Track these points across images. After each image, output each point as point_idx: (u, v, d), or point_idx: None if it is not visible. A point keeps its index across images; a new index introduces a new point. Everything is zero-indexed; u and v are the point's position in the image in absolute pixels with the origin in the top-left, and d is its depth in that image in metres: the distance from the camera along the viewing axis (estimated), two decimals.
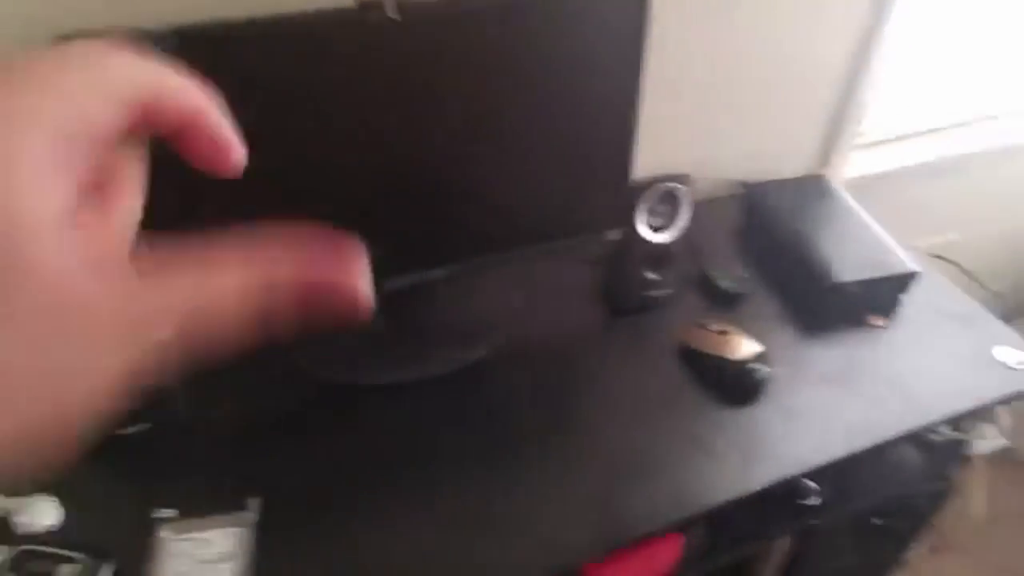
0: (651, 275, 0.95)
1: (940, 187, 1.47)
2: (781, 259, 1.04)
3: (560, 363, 0.91)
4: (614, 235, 0.92)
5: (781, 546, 1.00)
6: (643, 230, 0.91)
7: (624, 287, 0.95)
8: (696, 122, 1.13)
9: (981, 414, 0.96)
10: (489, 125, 0.78)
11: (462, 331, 0.92)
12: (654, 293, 0.96)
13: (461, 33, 0.70)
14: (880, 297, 0.99)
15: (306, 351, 0.88)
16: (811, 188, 1.14)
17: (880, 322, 0.98)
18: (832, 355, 0.93)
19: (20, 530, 0.67)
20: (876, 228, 1.05)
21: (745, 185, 1.15)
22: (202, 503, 0.71)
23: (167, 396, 0.78)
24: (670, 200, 0.93)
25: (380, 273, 0.72)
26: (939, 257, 1.48)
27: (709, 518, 0.79)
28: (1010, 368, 0.92)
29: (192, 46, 0.61)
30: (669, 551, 0.80)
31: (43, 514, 0.68)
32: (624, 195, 0.89)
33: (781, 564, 1.02)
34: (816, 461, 0.80)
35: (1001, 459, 1.75)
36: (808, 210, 1.09)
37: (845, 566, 1.09)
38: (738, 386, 0.86)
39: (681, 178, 0.91)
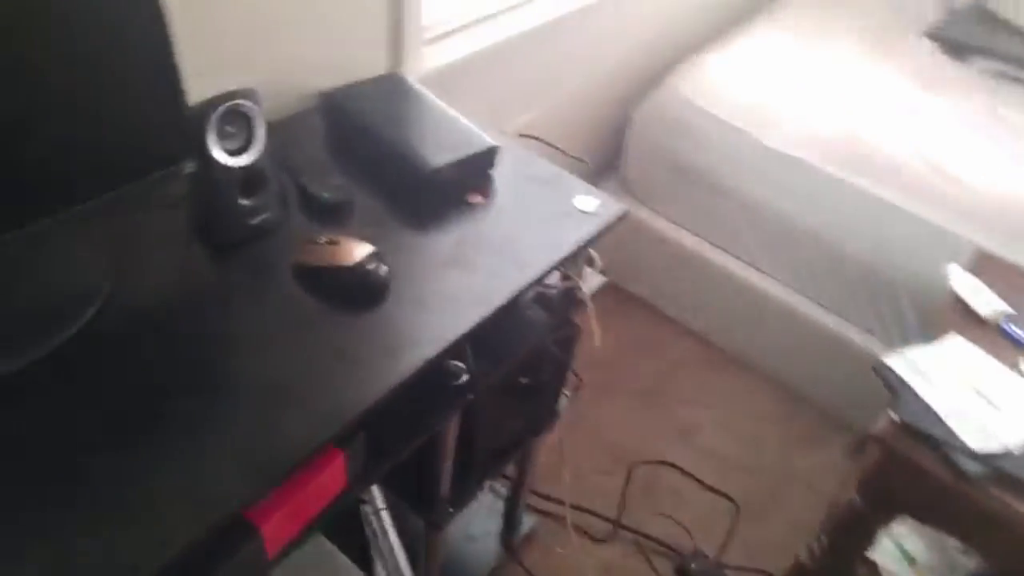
0: (246, 202, 0.93)
1: (513, 68, 1.68)
2: (375, 161, 1.10)
3: (175, 318, 0.86)
4: (188, 168, 0.88)
5: (451, 430, 1.10)
6: (219, 155, 0.89)
7: (220, 220, 0.92)
8: (258, 35, 1.12)
9: (579, 259, 1.16)
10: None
11: (41, 309, 0.81)
12: (254, 220, 0.94)
13: None
14: (473, 175, 1.12)
15: None
16: (387, 87, 1.21)
17: (479, 199, 1.11)
18: (444, 240, 1.03)
19: None
20: (455, 114, 1.16)
21: (322, 93, 1.18)
22: None
23: None
24: (240, 119, 0.91)
25: None
26: (525, 136, 1.70)
27: (366, 425, 0.84)
28: (589, 213, 1.12)
29: None
30: (333, 470, 0.83)
31: None
32: (184, 121, 0.85)
33: (454, 447, 1.13)
34: (452, 338, 0.89)
35: (604, 294, 2.17)
36: (389, 108, 1.16)
37: (512, 429, 1.25)
38: (360, 289, 0.90)
39: (246, 93, 0.90)
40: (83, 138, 0.78)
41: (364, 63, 1.32)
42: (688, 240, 2.10)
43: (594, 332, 1.18)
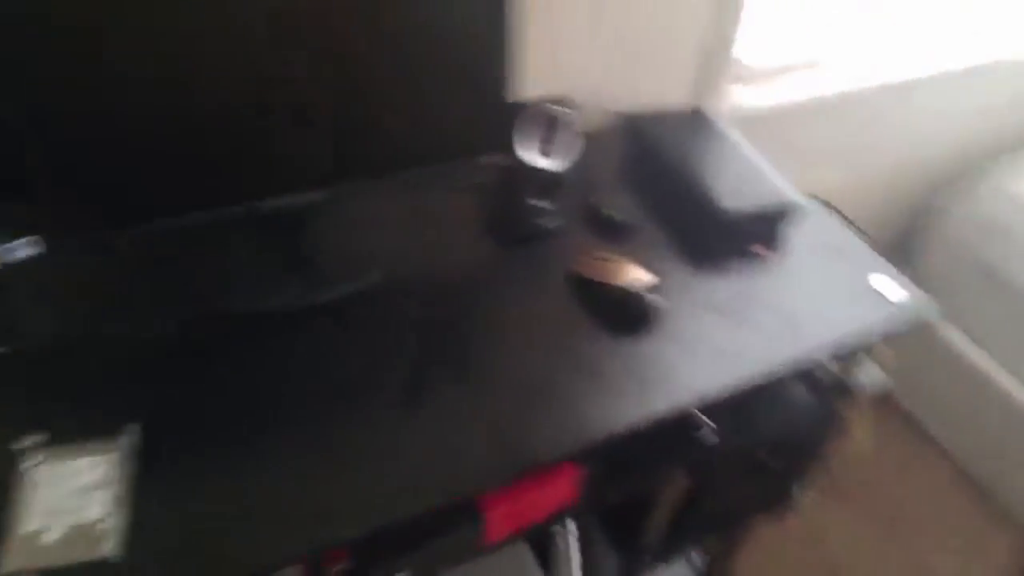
0: (539, 203, 0.95)
1: (820, 125, 1.58)
2: (667, 191, 1.08)
3: (449, 292, 0.91)
4: (497, 160, 0.92)
5: (677, 482, 1.04)
6: (527, 155, 0.91)
7: (512, 215, 0.96)
8: (582, 49, 1.15)
9: (864, 348, 1.04)
10: (362, 43, 0.76)
11: (347, 259, 0.91)
12: (543, 222, 0.96)
13: None
14: (765, 228, 1.05)
15: (182, 277, 0.86)
16: (691, 121, 1.19)
17: (764, 252, 1.04)
18: (721, 285, 0.98)
19: None
20: (757, 160, 1.11)
21: (626, 116, 1.18)
22: (73, 429, 0.69)
23: (29, 313, 0.76)
24: (556, 125, 0.94)
25: (257, 193, 0.70)
26: (815, 197, 1.58)
27: (606, 448, 0.81)
28: (889, 302, 1.00)
29: None
30: (567, 481, 0.82)
31: None
32: (504, 117, 0.89)
33: (676, 500, 1.07)
34: (709, 392, 0.84)
35: (884, 400, 1.93)
36: (689, 143, 1.13)
37: (736, 503, 1.15)
38: (631, 314, 0.88)
39: (565, 101, 0.92)
40: (405, 113, 0.84)
41: (668, 92, 1.31)
42: (986, 361, 1.81)
43: (861, 434, 1.06)
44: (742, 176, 1.07)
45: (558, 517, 0.87)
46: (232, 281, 0.87)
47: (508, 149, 0.92)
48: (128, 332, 0.80)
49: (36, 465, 0.65)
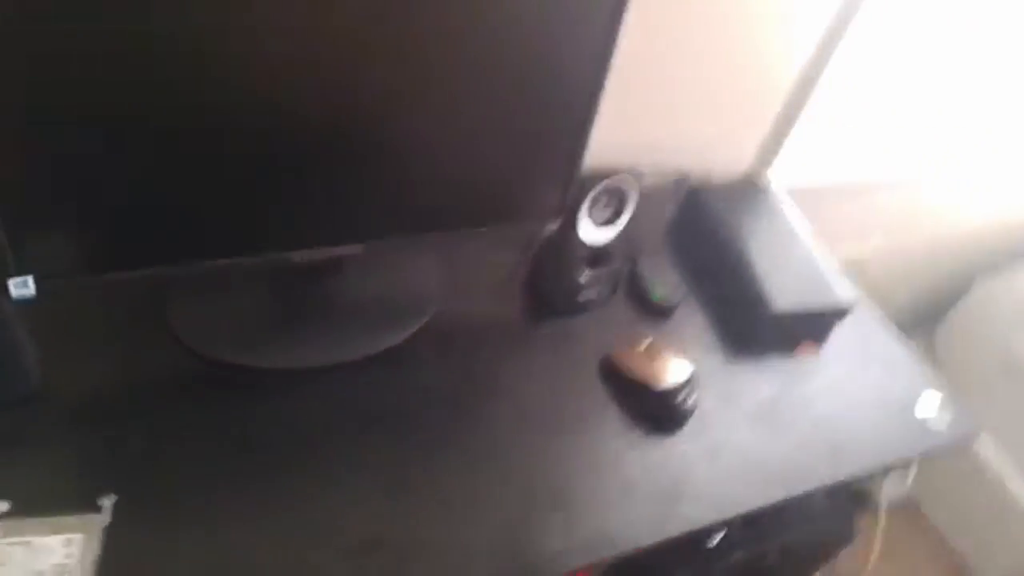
0: (585, 276, 0.87)
1: (868, 200, 1.49)
2: (715, 271, 1.00)
3: (476, 362, 0.83)
4: (551, 226, 0.84)
5: None
6: (584, 227, 0.83)
7: (556, 287, 0.88)
8: (649, 110, 1.06)
9: (898, 467, 0.96)
10: (426, 90, 0.67)
11: (374, 316, 0.83)
12: (584, 297, 0.89)
13: None
14: (814, 327, 0.98)
15: (188, 324, 0.76)
16: (749, 195, 1.11)
17: (809, 352, 0.96)
18: (760, 388, 0.90)
19: None
20: (813, 247, 1.02)
21: (681, 182, 1.09)
22: (44, 498, 0.60)
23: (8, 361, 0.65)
24: (616, 195, 0.86)
25: (286, 244, 0.60)
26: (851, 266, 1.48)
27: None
28: (932, 429, 0.91)
29: None
30: None
31: None
32: (569, 186, 0.81)
33: None
34: (737, 508, 0.77)
35: (902, 507, 1.78)
36: (745, 220, 1.05)
37: None
38: (663, 416, 0.81)
39: (633, 173, 0.84)
40: (478, 170, 0.77)
41: (728, 157, 1.23)
42: (1014, 477, 1.60)
43: (872, 551, 0.99)
44: (798, 270, 0.99)
45: None
46: (241, 334, 0.78)
47: (567, 216, 0.83)
48: (108, 384, 0.71)
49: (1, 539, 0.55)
